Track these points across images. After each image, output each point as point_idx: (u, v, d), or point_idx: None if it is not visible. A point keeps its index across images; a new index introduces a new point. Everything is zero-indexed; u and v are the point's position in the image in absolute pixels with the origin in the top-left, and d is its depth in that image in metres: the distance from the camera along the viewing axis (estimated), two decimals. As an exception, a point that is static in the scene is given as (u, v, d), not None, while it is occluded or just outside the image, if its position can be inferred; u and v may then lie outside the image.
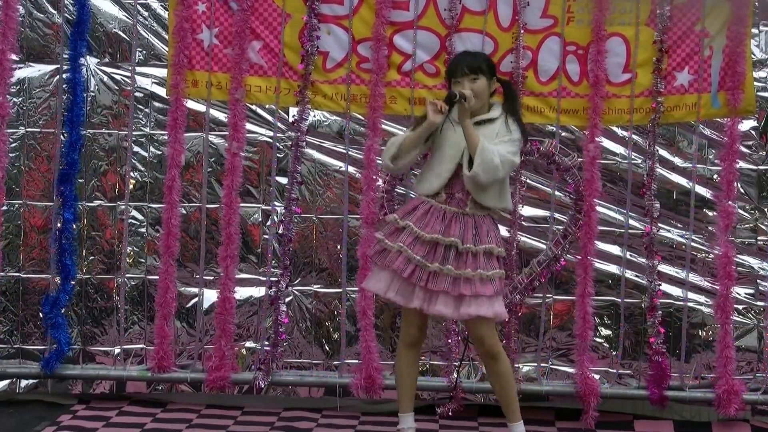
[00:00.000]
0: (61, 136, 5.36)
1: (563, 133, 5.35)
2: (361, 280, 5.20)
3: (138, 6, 5.44)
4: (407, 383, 4.65)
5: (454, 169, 4.47)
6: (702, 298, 5.37)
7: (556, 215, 5.34)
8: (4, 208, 5.35)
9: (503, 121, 4.50)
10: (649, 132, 5.24)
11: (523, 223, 5.34)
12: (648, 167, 5.25)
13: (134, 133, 5.45)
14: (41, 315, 5.39)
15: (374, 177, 5.23)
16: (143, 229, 5.51)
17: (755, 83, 5.23)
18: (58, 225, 5.32)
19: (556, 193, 5.34)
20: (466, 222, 4.44)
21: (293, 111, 5.36)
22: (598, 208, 5.28)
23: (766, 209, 5.42)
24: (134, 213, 5.52)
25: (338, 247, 5.45)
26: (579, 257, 5.21)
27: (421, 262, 4.36)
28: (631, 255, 5.35)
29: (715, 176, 5.36)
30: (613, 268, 5.38)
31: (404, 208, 4.58)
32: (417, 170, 4.94)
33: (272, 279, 5.35)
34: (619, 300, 5.34)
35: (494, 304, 4.40)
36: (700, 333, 5.41)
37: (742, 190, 5.35)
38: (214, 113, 5.42)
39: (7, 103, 5.24)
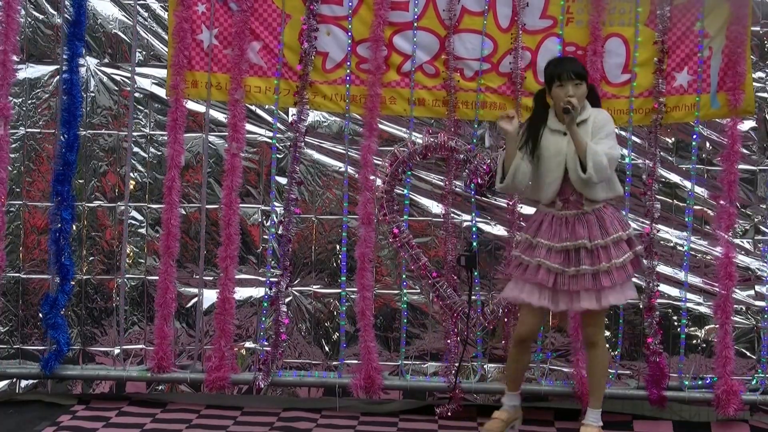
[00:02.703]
0: (62, 137, 5.36)
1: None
2: (360, 281, 5.22)
3: (138, 6, 5.44)
4: (516, 372, 4.97)
5: (563, 175, 4.65)
6: (701, 299, 5.37)
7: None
8: (4, 208, 5.35)
9: (594, 118, 4.67)
10: (651, 133, 5.24)
11: (522, 223, 5.33)
12: (649, 168, 5.25)
13: (134, 133, 5.46)
14: (41, 315, 5.39)
15: (371, 177, 5.24)
16: (143, 230, 5.52)
17: (754, 84, 5.23)
18: (57, 225, 5.33)
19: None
20: (588, 220, 4.68)
21: (293, 111, 5.37)
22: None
23: (766, 209, 5.42)
24: (134, 213, 5.52)
25: (337, 247, 5.45)
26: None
27: (560, 270, 4.66)
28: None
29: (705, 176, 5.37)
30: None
31: (531, 226, 4.82)
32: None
33: (272, 279, 5.35)
34: (618, 300, 5.34)
35: (626, 291, 4.75)
36: (698, 333, 5.41)
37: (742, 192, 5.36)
38: (214, 114, 5.42)
39: (9, 104, 5.25)
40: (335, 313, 5.48)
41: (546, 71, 4.75)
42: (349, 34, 5.28)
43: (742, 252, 5.35)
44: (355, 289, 5.29)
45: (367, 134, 5.24)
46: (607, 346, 5.04)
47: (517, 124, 4.69)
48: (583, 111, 4.67)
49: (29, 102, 5.47)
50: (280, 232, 5.34)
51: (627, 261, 4.69)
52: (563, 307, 4.73)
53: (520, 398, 4.99)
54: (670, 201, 5.39)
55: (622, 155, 5.35)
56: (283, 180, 5.39)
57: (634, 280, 5.30)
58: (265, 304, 5.40)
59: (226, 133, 5.34)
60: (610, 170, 4.62)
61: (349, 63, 5.29)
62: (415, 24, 5.25)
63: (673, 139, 5.38)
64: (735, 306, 5.24)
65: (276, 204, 5.39)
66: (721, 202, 5.22)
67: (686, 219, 5.31)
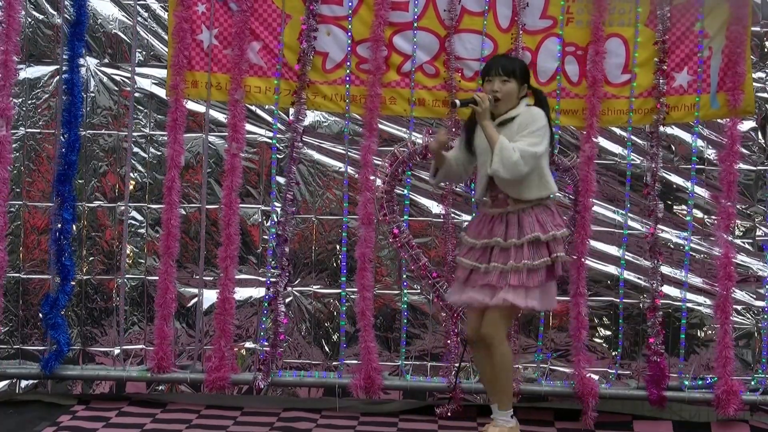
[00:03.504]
0: (61, 137, 5.36)
1: (563, 134, 5.36)
2: (361, 281, 5.22)
3: (138, 7, 5.44)
4: (484, 377, 4.86)
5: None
6: (701, 299, 5.37)
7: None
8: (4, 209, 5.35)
9: (522, 116, 4.60)
10: (652, 133, 5.25)
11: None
12: (651, 168, 5.25)
13: (134, 133, 5.46)
14: (41, 315, 5.39)
15: (371, 177, 5.24)
16: (143, 230, 5.52)
17: (754, 84, 5.23)
18: (57, 225, 5.33)
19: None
20: (509, 219, 4.62)
21: (292, 111, 5.37)
22: (597, 209, 5.29)
23: (765, 210, 5.43)
24: (134, 214, 5.52)
25: (337, 247, 5.45)
26: (574, 257, 5.21)
27: (474, 266, 4.62)
28: (629, 256, 5.35)
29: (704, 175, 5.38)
30: (611, 269, 5.38)
31: (469, 225, 4.87)
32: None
33: (272, 280, 5.35)
34: (618, 301, 5.34)
35: (531, 297, 4.56)
36: (698, 333, 5.41)
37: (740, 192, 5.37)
38: (214, 114, 5.42)
39: (10, 104, 5.24)
40: (335, 313, 5.48)
41: (482, 70, 4.80)
42: (349, 34, 5.27)
43: (742, 252, 5.36)
44: (355, 290, 5.28)
45: (368, 134, 5.24)
46: (506, 346, 4.72)
47: (442, 141, 4.72)
48: (512, 110, 4.63)
49: (29, 102, 5.47)
50: (278, 231, 5.33)
51: (542, 265, 4.55)
52: (478, 299, 4.61)
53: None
54: (671, 201, 5.40)
55: (622, 155, 5.37)
56: (283, 180, 5.38)
57: (635, 279, 5.35)
58: (266, 305, 5.40)
59: (226, 134, 5.34)
60: (525, 167, 4.47)
61: (349, 63, 5.29)
62: (415, 24, 5.25)
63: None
64: (734, 306, 5.25)
65: (276, 204, 5.39)
66: (721, 201, 5.21)
67: (687, 219, 5.31)
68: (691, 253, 5.33)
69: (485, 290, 4.59)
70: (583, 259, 5.20)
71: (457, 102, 4.68)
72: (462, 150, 4.78)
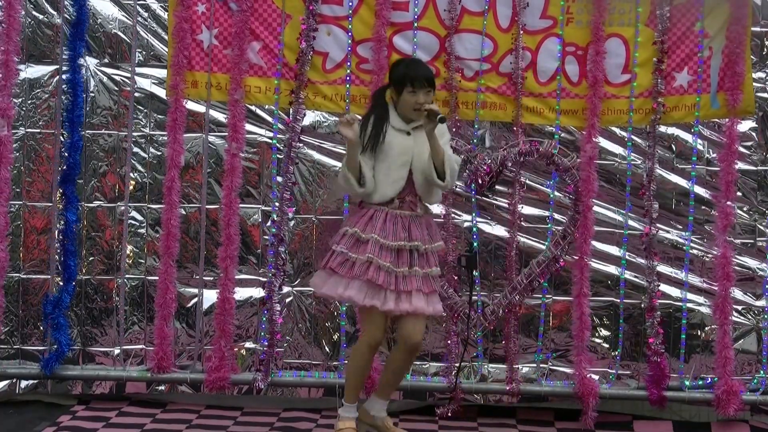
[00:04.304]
0: (61, 137, 5.36)
1: (562, 134, 5.36)
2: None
3: (137, 7, 5.44)
4: (362, 380, 4.78)
5: (407, 175, 4.59)
6: (701, 299, 5.37)
7: (556, 215, 5.35)
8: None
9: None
10: (650, 133, 5.25)
11: (522, 223, 5.35)
12: (648, 168, 5.25)
13: (134, 133, 5.46)
14: (43, 316, 5.39)
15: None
16: (143, 230, 5.52)
17: (754, 84, 5.23)
18: (60, 226, 5.32)
19: (556, 193, 5.35)
20: (420, 223, 4.64)
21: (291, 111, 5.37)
22: (598, 209, 5.30)
23: (765, 210, 5.43)
24: (134, 214, 5.52)
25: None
26: (576, 257, 5.21)
27: (390, 269, 4.51)
28: (630, 256, 5.35)
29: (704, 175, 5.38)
30: (612, 269, 5.39)
31: (358, 220, 4.62)
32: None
33: (268, 279, 5.35)
34: (618, 301, 5.34)
35: (436, 302, 4.69)
36: (699, 333, 5.41)
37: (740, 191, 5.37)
38: (214, 114, 5.42)
39: (11, 104, 5.24)
40: (335, 313, 5.48)
41: (397, 71, 4.65)
42: (349, 34, 5.27)
43: (743, 252, 5.37)
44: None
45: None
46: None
47: (358, 129, 4.53)
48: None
49: (29, 102, 5.47)
50: (274, 231, 5.32)
51: (439, 273, 4.72)
52: (389, 306, 4.51)
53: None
54: (669, 201, 5.40)
55: (623, 156, 5.38)
56: (281, 180, 5.38)
57: (635, 279, 5.36)
58: (262, 303, 5.38)
59: (226, 133, 5.34)
60: (457, 176, 4.67)
61: (349, 63, 5.29)
62: (415, 24, 5.25)
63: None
64: (734, 307, 5.25)
65: (276, 204, 5.39)
66: (720, 201, 5.21)
67: (689, 218, 5.32)
68: (691, 252, 5.34)
69: (418, 296, 4.54)
70: (585, 260, 5.19)
71: (439, 114, 4.50)
72: (369, 156, 4.59)
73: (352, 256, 4.54)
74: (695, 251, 5.39)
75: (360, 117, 4.66)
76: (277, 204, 5.36)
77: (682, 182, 5.40)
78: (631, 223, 5.34)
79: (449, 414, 5.29)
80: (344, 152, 5.35)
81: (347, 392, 4.73)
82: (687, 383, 5.28)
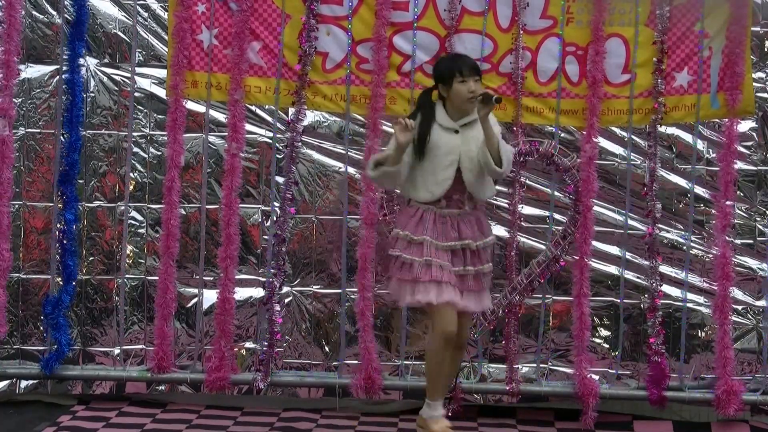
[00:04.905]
0: (61, 137, 5.36)
1: (562, 134, 5.36)
2: (361, 281, 5.21)
3: (138, 7, 5.44)
4: (445, 375, 4.71)
5: (455, 174, 4.55)
6: (701, 299, 5.37)
7: (556, 216, 5.35)
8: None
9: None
10: (650, 133, 5.25)
11: (522, 223, 5.35)
12: (649, 168, 5.25)
13: (134, 133, 5.46)
14: (43, 316, 5.39)
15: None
16: (143, 230, 5.52)
17: (754, 84, 5.23)
18: (60, 226, 5.33)
19: (556, 193, 5.35)
20: (469, 220, 4.60)
21: (292, 111, 5.36)
22: (598, 209, 5.30)
23: (765, 210, 5.43)
24: (134, 214, 5.52)
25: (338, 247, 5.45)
26: (576, 257, 5.21)
27: (450, 268, 4.52)
28: (630, 256, 5.35)
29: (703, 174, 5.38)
30: (612, 269, 5.39)
31: (408, 221, 4.60)
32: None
33: (272, 280, 5.35)
34: (618, 301, 5.34)
35: (486, 299, 4.72)
36: (699, 333, 5.41)
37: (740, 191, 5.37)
38: (214, 114, 5.42)
39: (12, 104, 5.24)
40: (335, 313, 5.48)
41: (443, 67, 4.64)
42: (349, 34, 5.27)
43: (743, 252, 5.37)
44: (355, 290, 5.28)
45: (371, 134, 5.23)
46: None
47: (410, 136, 4.49)
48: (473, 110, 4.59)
49: (29, 102, 5.47)
50: (275, 231, 5.32)
51: (491, 269, 4.69)
52: (459, 301, 4.56)
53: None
54: (671, 201, 5.40)
55: (623, 156, 5.38)
56: (282, 180, 5.38)
57: (635, 279, 5.36)
58: (262, 304, 5.39)
59: (226, 133, 5.33)
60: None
61: (349, 63, 5.29)
62: (415, 24, 5.25)
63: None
64: (734, 307, 5.25)
65: (276, 204, 5.39)
66: (719, 201, 5.21)
67: (689, 218, 5.32)
68: (692, 252, 5.34)
69: (469, 296, 4.57)
70: (586, 260, 5.19)
71: (494, 96, 4.47)
72: (410, 154, 4.56)
73: (408, 258, 4.53)
74: (695, 251, 5.39)
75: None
76: (276, 204, 5.36)
77: (682, 182, 5.41)
78: (631, 222, 5.34)
79: (449, 414, 5.28)
80: (343, 152, 5.39)
81: (432, 391, 4.65)
82: (687, 383, 5.28)
